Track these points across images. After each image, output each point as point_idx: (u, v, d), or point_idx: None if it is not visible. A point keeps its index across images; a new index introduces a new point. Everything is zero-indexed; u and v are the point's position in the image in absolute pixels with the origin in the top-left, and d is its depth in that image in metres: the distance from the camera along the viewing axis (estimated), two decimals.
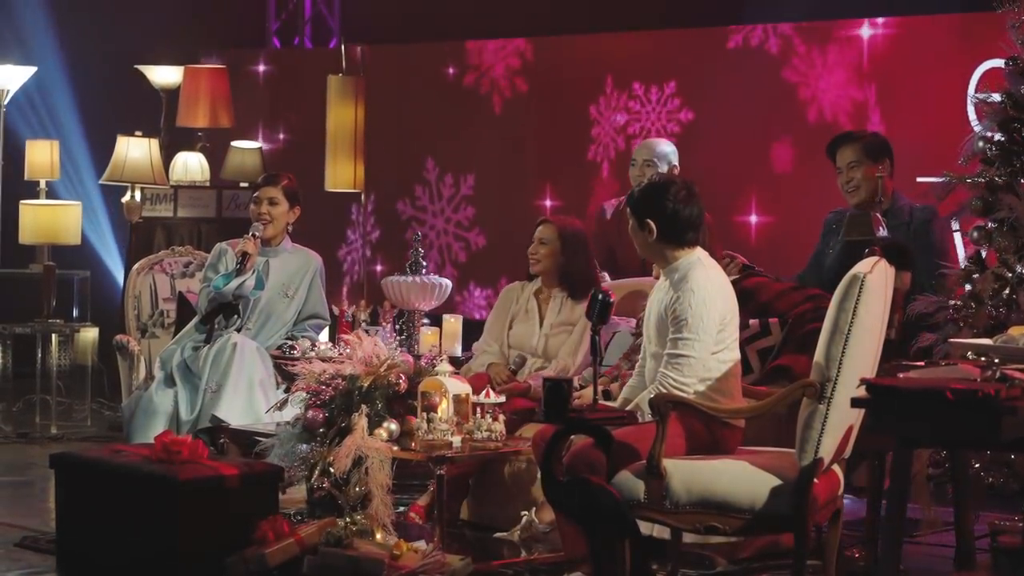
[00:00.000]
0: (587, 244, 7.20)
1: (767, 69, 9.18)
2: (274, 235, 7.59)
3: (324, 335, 7.70)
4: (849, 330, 5.18)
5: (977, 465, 6.42)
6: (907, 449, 5.08)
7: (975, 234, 6.71)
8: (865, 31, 8.87)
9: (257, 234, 7.48)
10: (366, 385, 6.13)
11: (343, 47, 10.23)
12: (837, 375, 5.18)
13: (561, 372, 6.91)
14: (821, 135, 8.03)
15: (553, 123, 10.32)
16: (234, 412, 7.03)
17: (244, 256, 7.38)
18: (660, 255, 5.69)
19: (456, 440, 6.02)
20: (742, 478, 5.29)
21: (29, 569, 6.36)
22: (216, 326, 7.33)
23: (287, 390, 6.59)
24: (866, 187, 7.01)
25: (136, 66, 10.80)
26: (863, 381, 5.02)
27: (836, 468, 5.46)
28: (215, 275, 7.42)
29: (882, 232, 6.52)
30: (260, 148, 11.01)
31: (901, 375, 5.22)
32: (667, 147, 7.96)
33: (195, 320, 7.47)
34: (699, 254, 5.67)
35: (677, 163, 7.89)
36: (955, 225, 7.14)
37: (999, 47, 6.95)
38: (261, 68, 11.83)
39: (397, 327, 6.99)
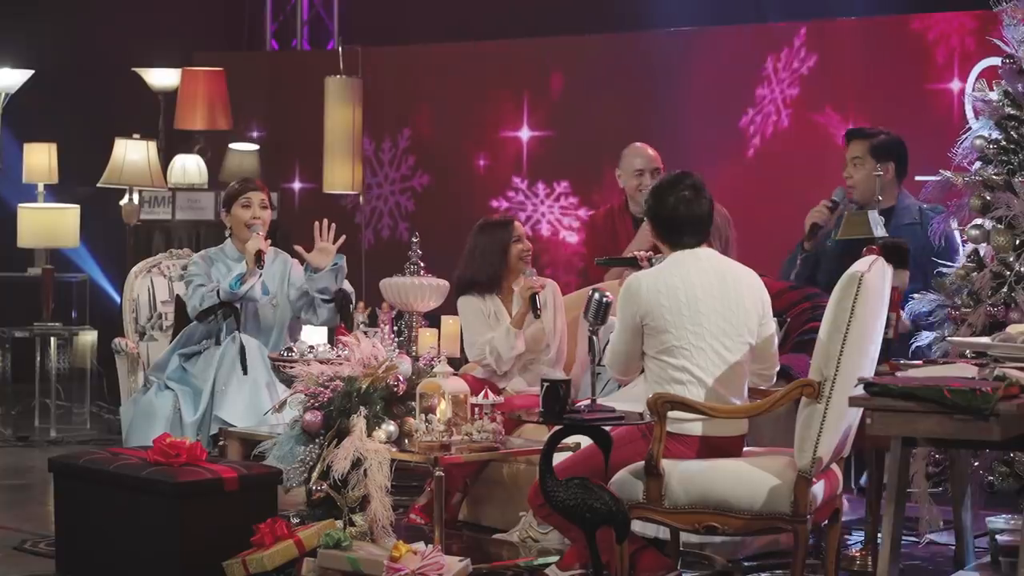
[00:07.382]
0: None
1: None
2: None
3: (323, 337, 7.69)
4: (847, 329, 5.16)
5: (976, 464, 6.41)
6: (905, 448, 5.08)
7: (973, 232, 6.69)
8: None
9: (261, 232, 7.35)
10: (364, 387, 6.13)
11: (341, 49, 10.24)
12: (835, 374, 5.17)
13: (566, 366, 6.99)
14: None
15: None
16: (237, 413, 7.01)
17: (259, 254, 7.27)
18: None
19: (455, 441, 6.02)
20: (741, 478, 5.28)
21: (29, 573, 6.36)
22: (216, 322, 7.29)
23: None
24: (864, 187, 7.06)
25: (134, 68, 10.80)
26: (861, 380, 5.02)
27: (835, 467, 5.46)
28: (206, 282, 7.31)
29: (879, 231, 6.52)
30: (258, 150, 11.00)
31: (899, 374, 5.22)
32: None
33: (182, 334, 7.42)
34: (682, 254, 5.55)
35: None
36: (953, 224, 7.14)
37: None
38: (259, 70, 11.81)
39: (395, 328, 6.97)
